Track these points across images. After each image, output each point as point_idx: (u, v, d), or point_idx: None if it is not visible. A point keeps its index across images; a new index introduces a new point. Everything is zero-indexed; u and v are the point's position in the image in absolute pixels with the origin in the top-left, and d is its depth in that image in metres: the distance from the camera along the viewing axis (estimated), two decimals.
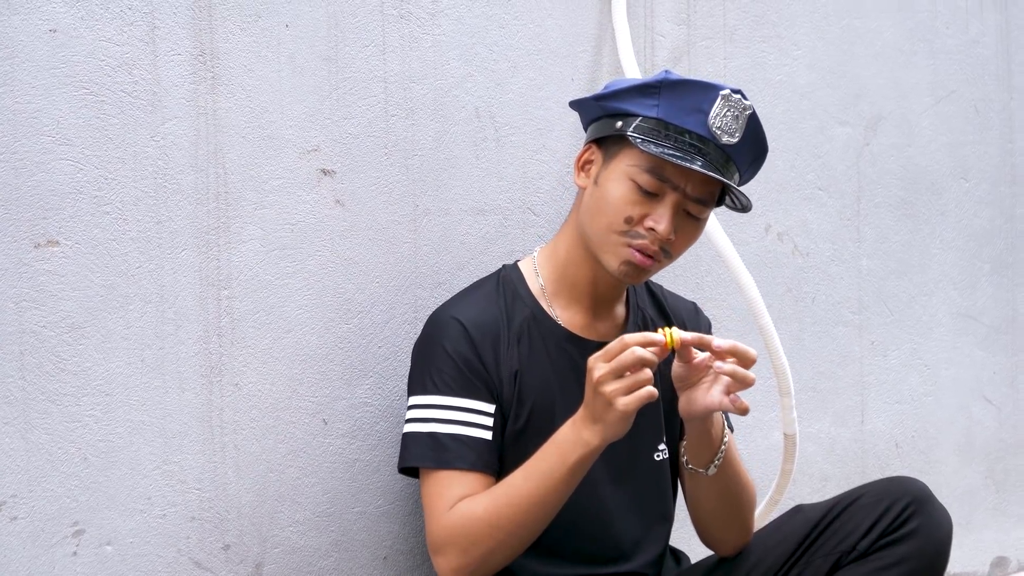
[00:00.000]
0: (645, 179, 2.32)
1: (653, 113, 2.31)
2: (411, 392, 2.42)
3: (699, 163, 2.29)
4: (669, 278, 2.97)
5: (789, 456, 2.88)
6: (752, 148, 2.37)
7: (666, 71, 2.34)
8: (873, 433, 3.42)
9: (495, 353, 2.39)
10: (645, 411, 2.44)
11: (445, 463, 2.33)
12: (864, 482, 2.49)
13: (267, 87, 2.46)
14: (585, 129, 2.47)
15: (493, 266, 2.63)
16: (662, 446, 2.51)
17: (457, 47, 2.70)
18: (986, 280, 3.64)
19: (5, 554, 2.24)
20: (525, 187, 2.79)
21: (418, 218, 2.64)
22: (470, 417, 2.36)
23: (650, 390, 2.13)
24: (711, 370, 2.26)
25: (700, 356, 2.27)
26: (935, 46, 3.52)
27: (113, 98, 2.31)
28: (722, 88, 2.30)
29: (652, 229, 2.32)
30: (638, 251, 2.33)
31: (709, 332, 2.62)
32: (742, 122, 2.32)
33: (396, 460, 2.59)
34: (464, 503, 2.31)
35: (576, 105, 2.47)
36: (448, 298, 2.53)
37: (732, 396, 2.23)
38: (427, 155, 2.66)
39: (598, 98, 2.39)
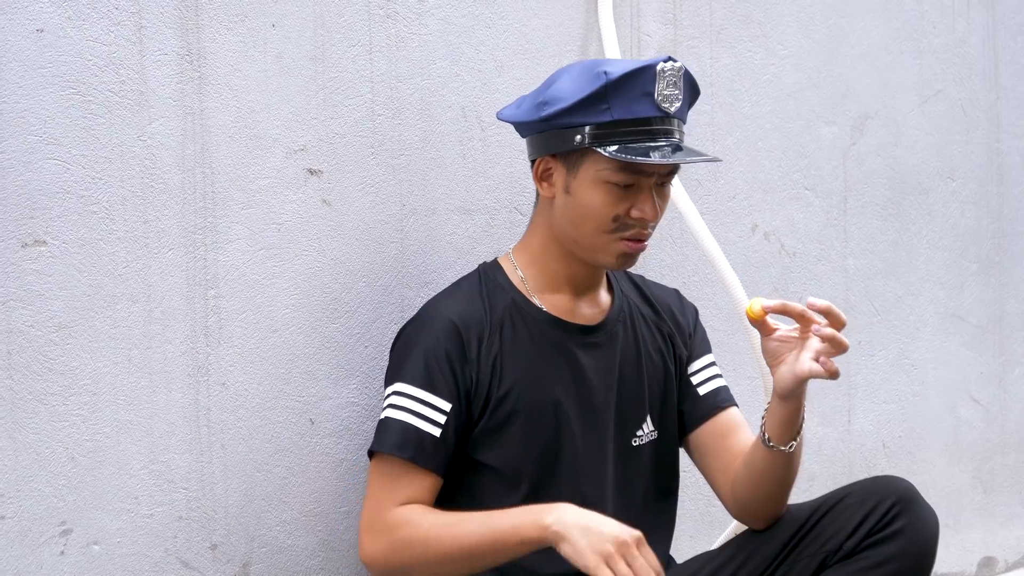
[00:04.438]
0: (620, 177, 2.34)
1: (607, 117, 2.34)
2: (385, 383, 2.45)
3: (663, 149, 2.33)
4: (655, 277, 2.97)
5: None
6: (690, 96, 2.42)
7: (603, 71, 2.33)
8: (860, 433, 3.43)
9: (478, 347, 2.41)
10: (624, 395, 2.48)
11: (387, 447, 2.37)
12: (851, 482, 2.49)
13: (254, 87, 2.47)
14: (523, 136, 2.47)
15: None
16: (640, 432, 2.50)
17: (444, 47, 2.70)
18: (973, 280, 3.64)
19: None
20: (512, 187, 2.79)
21: (405, 218, 2.65)
22: (423, 409, 2.37)
23: None
24: (799, 340, 2.28)
25: (781, 328, 2.30)
26: (922, 45, 3.53)
27: (100, 98, 2.31)
28: (655, 64, 2.33)
29: (640, 217, 2.36)
30: (631, 240, 2.38)
31: (696, 318, 2.63)
32: (680, 84, 2.37)
33: None
34: (417, 508, 2.34)
35: (516, 124, 2.46)
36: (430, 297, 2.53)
37: (822, 359, 2.25)
38: (414, 155, 2.66)
39: (545, 119, 2.37)
